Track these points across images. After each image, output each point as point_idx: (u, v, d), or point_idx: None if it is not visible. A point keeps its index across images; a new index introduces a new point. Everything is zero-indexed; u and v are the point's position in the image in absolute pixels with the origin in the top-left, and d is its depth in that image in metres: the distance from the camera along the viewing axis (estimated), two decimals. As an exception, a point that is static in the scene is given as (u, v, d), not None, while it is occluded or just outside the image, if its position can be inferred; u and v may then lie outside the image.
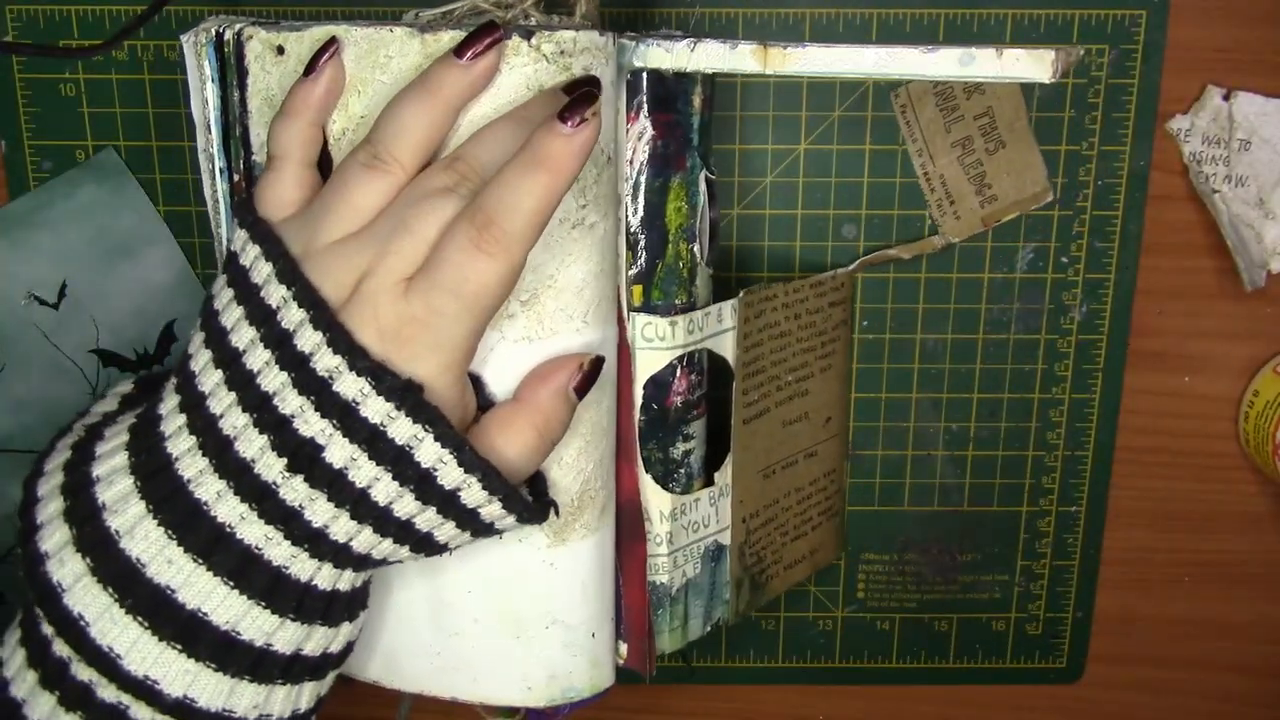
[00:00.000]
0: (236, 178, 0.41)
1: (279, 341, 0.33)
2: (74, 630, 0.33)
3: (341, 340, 0.32)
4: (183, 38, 0.40)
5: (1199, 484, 0.56)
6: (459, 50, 0.34)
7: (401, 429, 0.33)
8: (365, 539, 0.34)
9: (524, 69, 0.36)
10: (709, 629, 0.48)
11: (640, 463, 0.44)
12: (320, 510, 0.33)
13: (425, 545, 0.36)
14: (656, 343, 0.43)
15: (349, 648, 0.38)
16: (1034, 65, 0.37)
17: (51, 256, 0.53)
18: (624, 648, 0.45)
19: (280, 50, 0.38)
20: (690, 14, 0.50)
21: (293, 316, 0.33)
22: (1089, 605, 0.57)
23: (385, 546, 0.35)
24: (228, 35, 0.39)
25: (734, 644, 0.58)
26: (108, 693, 0.34)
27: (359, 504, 0.33)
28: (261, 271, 0.34)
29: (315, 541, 0.34)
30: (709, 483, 0.47)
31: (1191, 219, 0.53)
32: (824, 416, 0.51)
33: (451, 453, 0.33)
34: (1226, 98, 0.51)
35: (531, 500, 0.38)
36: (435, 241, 0.33)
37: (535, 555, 0.40)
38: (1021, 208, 0.51)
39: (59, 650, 0.34)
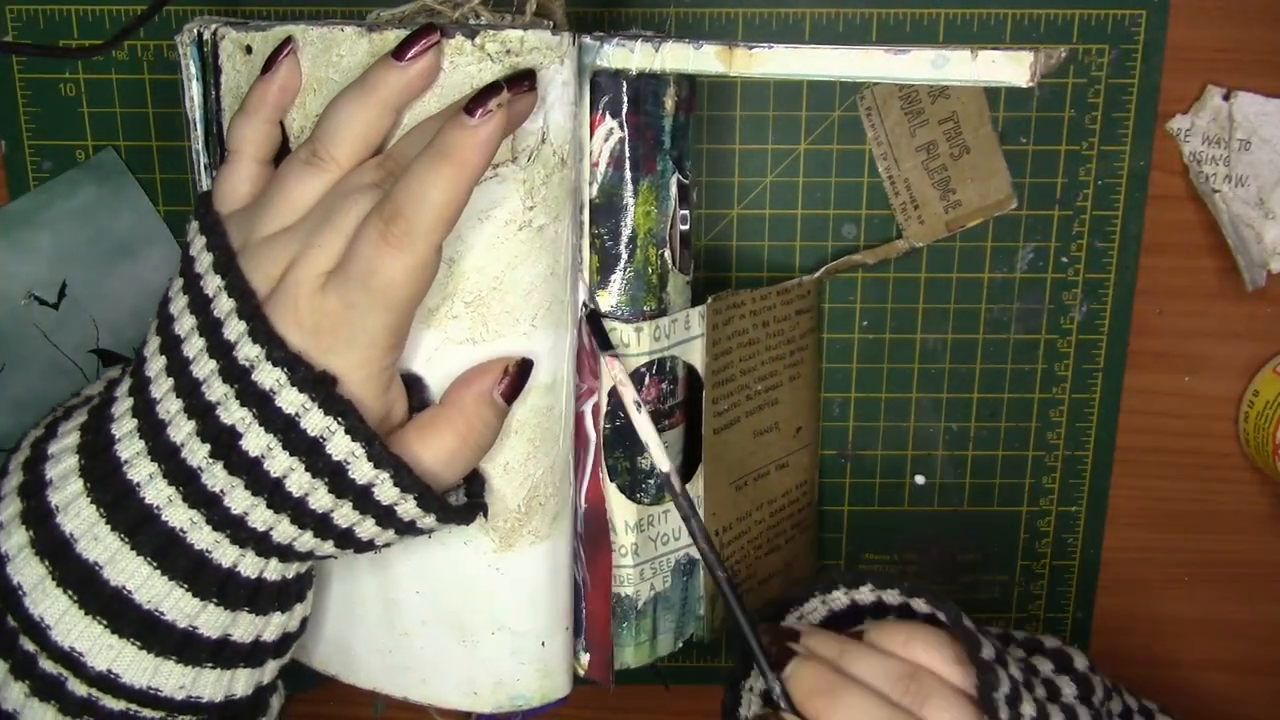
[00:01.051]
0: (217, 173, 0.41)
1: (211, 329, 0.34)
2: (13, 599, 0.34)
3: (261, 330, 0.33)
4: (176, 37, 0.41)
5: (1199, 484, 0.56)
6: (397, 52, 0.35)
7: (314, 421, 0.33)
8: (285, 530, 0.35)
9: (468, 68, 0.36)
10: (680, 645, 0.47)
11: (604, 471, 0.43)
12: (239, 498, 0.34)
13: (349, 541, 0.36)
14: (622, 349, 0.42)
15: (286, 639, 0.38)
16: (1011, 68, 0.35)
17: (51, 256, 0.53)
18: (586, 658, 0.44)
19: (248, 50, 0.38)
20: (663, 13, 0.50)
21: (223, 306, 0.34)
22: (1089, 605, 0.57)
23: (307, 539, 0.35)
24: (206, 35, 0.40)
25: (734, 644, 0.58)
26: (47, 664, 0.35)
27: (275, 493, 0.34)
28: (203, 262, 0.35)
29: (236, 528, 0.34)
30: None
31: (1191, 219, 0.53)
32: (794, 427, 0.51)
33: (362, 447, 0.33)
34: (1226, 98, 0.51)
35: (463, 500, 0.38)
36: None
37: (481, 560, 0.40)
38: (985, 214, 0.51)
39: (10, 621, 0.35)
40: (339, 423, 0.33)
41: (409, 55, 0.34)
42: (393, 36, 0.36)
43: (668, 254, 0.43)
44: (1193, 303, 0.54)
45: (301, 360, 0.33)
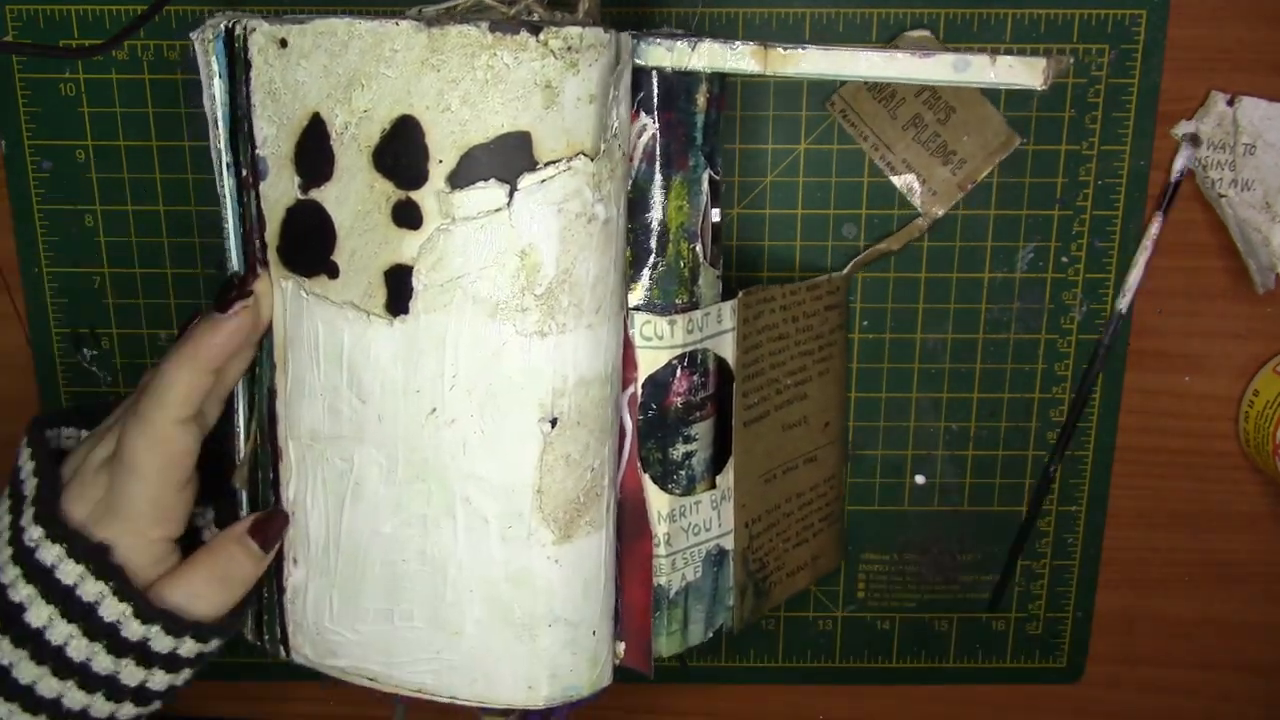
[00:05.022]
0: (245, 173, 0.41)
1: (14, 512, 0.39)
2: None
3: (45, 514, 0.38)
4: (192, 34, 0.40)
5: (1199, 484, 0.56)
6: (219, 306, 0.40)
7: (89, 588, 0.37)
8: (75, 696, 0.38)
9: (532, 64, 0.36)
10: (710, 635, 0.47)
11: (640, 461, 0.44)
12: (26, 669, 0.37)
13: (143, 696, 0.39)
14: (655, 341, 0.43)
15: None
16: (1026, 72, 0.37)
17: (52, 256, 0.53)
18: (621, 646, 0.45)
19: (284, 43, 0.38)
20: (692, 13, 0.50)
21: (29, 490, 0.39)
22: (1089, 605, 0.57)
23: (100, 704, 0.39)
24: (237, 30, 0.39)
25: (734, 644, 0.58)
26: None
27: (58, 660, 0.37)
28: (27, 469, 0.41)
29: (24, 697, 0.37)
30: (714, 486, 0.46)
31: (1193, 219, 0.53)
32: (823, 421, 0.51)
33: (130, 606, 0.38)
34: (1230, 102, 0.50)
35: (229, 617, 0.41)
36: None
37: (541, 552, 0.40)
38: (993, 160, 0.51)
39: None
40: (109, 586, 0.37)
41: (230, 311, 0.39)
42: (455, 32, 0.36)
43: (699, 248, 0.43)
44: (1193, 303, 0.54)
45: (79, 534, 0.38)
